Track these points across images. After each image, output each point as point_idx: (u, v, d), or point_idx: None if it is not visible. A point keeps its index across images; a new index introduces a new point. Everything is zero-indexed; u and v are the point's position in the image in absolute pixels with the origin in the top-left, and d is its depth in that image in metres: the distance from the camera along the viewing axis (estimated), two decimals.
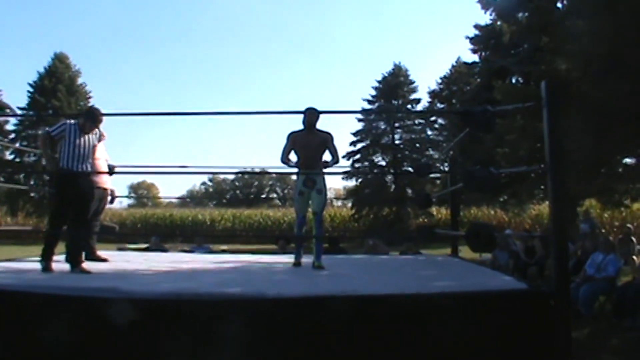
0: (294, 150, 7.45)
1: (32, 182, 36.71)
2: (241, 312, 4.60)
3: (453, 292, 5.11)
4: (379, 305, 4.72)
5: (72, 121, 6.85)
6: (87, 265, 6.74)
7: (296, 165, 7.46)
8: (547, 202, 26.38)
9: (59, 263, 6.70)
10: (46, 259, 6.54)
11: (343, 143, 42.72)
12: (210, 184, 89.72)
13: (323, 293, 4.97)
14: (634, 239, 16.07)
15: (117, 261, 7.96)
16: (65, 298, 4.82)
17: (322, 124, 7.35)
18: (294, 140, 7.43)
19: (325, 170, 7.50)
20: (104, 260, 7.84)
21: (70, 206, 6.72)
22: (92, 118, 6.93)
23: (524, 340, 4.68)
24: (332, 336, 4.58)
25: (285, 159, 7.46)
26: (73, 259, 6.59)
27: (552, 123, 4.92)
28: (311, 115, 7.29)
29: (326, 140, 7.40)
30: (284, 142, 7.54)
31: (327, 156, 7.52)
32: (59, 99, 40.03)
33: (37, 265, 6.58)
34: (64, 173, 6.72)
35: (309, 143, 7.35)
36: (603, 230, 21.67)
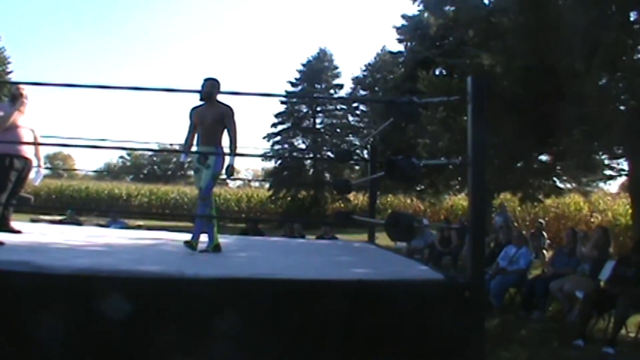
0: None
1: None
2: (160, 291, 4.55)
3: (371, 279, 5.13)
4: (295, 290, 4.71)
5: None
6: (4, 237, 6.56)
7: (196, 140, 7.02)
8: (462, 194, 26.99)
9: None
10: None
11: (264, 124, 42.84)
12: (127, 158, 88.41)
13: (241, 275, 4.93)
14: (545, 233, 16.54)
15: (31, 233, 7.76)
16: None
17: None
18: (194, 116, 6.96)
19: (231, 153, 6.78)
20: (17, 232, 7.63)
21: None
22: None
23: (438, 330, 4.73)
24: (248, 319, 4.56)
25: (187, 142, 7.08)
26: None
27: (476, 118, 4.97)
28: (207, 86, 6.86)
29: (224, 115, 6.84)
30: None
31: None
32: None
33: None
34: None
35: (206, 117, 6.83)
36: (516, 224, 22.16)
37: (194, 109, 7.00)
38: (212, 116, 6.78)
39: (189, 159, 7.29)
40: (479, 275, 4.92)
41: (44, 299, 4.43)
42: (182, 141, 7.23)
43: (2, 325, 4.38)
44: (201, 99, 6.91)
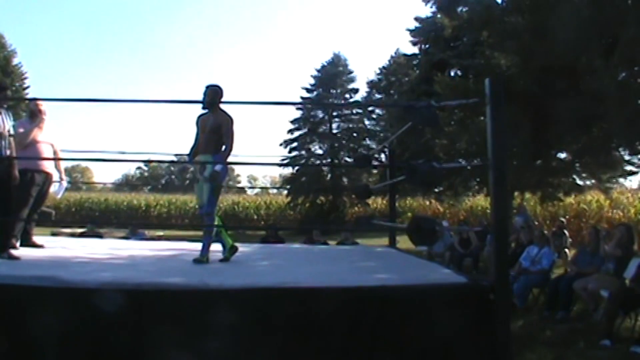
0: None
1: None
2: (185, 302, 4.55)
3: (395, 285, 5.10)
4: (320, 298, 4.69)
5: None
6: (19, 252, 6.59)
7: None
8: (481, 195, 26.82)
9: None
10: None
11: (281, 131, 42.87)
12: (145, 168, 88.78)
13: (266, 284, 4.92)
14: (566, 232, 16.41)
15: (54, 247, 7.79)
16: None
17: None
18: (199, 124, 6.89)
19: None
20: (40, 246, 7.68)
21: None
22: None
23: (464, 334, 4.71)
24: (273, 328, 4.56)
25: (192, 151, 6.98)
26: (1, 244, 6.42)
27: (495, 120, 4.95)
28: (209, 94, 6.76)
29: (222, 124, 6.69)
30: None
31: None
32: None
33: None
34: None
35: (206, 125, 6.73)
36: (536, 223, 22.02)
37: (199, 116, 6.93)
38: (211, 124, 6.70)
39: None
40: (503, 277, 4.90)
41: (69, 313, 4.44)
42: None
43: (31, 338, 4.40)
44: (204, 107, 6.84)
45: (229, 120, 6.76)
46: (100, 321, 4.39)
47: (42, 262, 6.13)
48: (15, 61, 42.70)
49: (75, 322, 4.41)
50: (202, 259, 6.55)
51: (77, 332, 4.41)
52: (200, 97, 6.72)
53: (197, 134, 6.94)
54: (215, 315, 4.49)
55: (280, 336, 4.52)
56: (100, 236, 13.40)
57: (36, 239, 7.83)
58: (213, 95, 6.76)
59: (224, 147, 6.73)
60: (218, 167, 6.65)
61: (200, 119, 6.89)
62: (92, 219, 34.08)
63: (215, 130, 6.69)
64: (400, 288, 5.00)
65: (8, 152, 6.73)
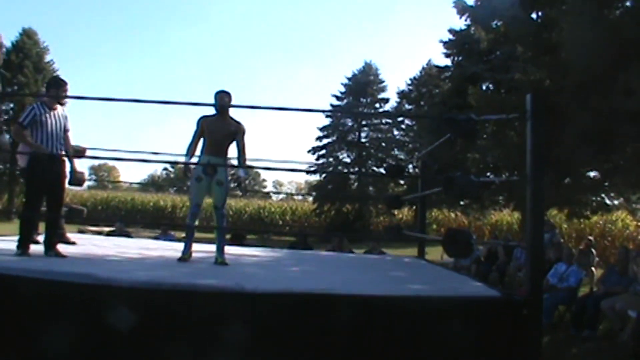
0: (203, 137, 6.97)
1: None
2: (221, 304, 4.61)
3: (429, 295, 5.13)
4: (354, 306, 4.72)
5: (38, 102, 6.64)
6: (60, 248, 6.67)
7: (201, 149, 6.99)
8: (506, 210, 26.60)
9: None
10: (24, 245, 6.29)
11: (309, 137, 42.63)
12: (171, 169, 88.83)
13: (300, 290, 4.96)
14: (594, 250, 16.30)
15: (85, 245, 7.92)
16: (39, 281, 4.79)
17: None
18: (203, 125, 6.93)
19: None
20: (73, 243, 7.78)
21: (46, 189, 6.57)
22: (55, 84, 6.89)
23: (494, 348, 4.73)
24: (307, 333, 4.60)
25: (190, 150, 7.03)
26: (48, 242, 6.48)
27: (535, 136, 4.98)
28: (222, 98, 6.87)
29: (237, 132, 6.93)
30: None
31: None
32: (25, 75, 39.41)
33: (11, 245, 6.37)
34: (39, 157, 6.48)
35: (218, 129, 6.86)
36: (562, 240, 21.91)
37: (203, 117, 6.98)
38: (225, 130, 6.87)
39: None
40: (537, 292, 4.91)
41: (104, 310, 4.51)
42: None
43: (67, 333, 4.47)
44: (217, 111, 6.89)
45: (244, 129, 6.98)
46: (135, 319, 4.45)
47: (77, 259, 6.20)
48: (47, 58, 43.01)
49: (109, 320, 4.48)
50: (224, 260, 6.77)
51: (110, 329, 4.48)
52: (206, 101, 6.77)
53: (196, 134, 7.01)
54: (251, 318, 4.55)
55: (314, 341, 4.56)
56: (128, 235, 13.50)
57: (68, 235, 7.94)
58: (229, 100, 6.91)
59: (239, 153, 6.98)
60: (242, 173, 6.82)
61: (204, 120, 6.96)
62: (120, 217, 34.31)
63: (229, 136, 6.89)
64: (434, 299, 5.03)
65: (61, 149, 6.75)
